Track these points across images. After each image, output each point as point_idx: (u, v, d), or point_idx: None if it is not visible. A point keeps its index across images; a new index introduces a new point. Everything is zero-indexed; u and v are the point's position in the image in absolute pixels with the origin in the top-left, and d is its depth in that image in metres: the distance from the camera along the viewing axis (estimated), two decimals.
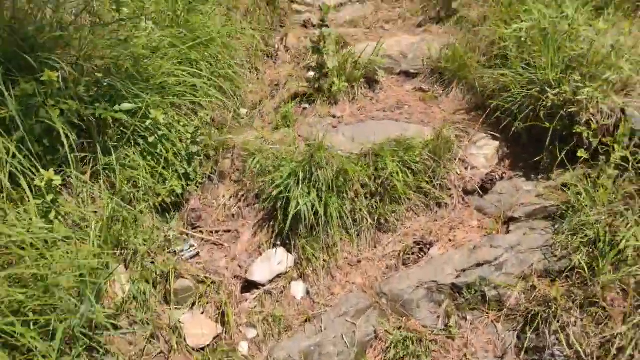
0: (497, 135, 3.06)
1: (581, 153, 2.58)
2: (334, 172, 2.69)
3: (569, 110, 2.62)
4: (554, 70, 2.77)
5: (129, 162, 2.59)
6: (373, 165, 2.80)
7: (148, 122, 2.64)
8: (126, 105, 2.56)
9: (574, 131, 2.62)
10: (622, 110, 2.57)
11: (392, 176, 2.72)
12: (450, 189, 2.87)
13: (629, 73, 2.63)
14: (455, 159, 2.95)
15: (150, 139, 2.66)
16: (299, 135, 3.24)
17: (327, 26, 3.49)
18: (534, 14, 3.16)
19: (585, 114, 2.59)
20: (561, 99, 2.68)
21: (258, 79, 3.92)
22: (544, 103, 2.73)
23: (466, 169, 2.96)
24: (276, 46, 4.26)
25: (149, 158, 2.68)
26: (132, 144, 2.66)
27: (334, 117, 3.36)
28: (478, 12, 4.08)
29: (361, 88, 3.61)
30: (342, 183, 2.69)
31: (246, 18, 4.11)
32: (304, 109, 3.51)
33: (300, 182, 2.67)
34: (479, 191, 2.85)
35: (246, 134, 3.28)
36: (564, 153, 2.64)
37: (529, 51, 3.02)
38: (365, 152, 2.89)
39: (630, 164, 2.31)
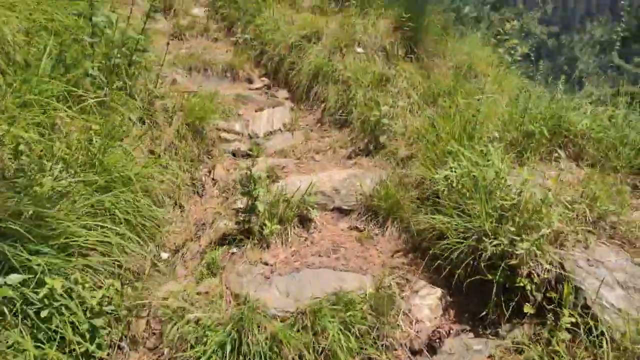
0: (440, 283, 2.93)
1: (527, 308, 2.48)
2: (267, 342, 2.35)
3: (509, 262, 2.56)
4: (489, 219, 2.75)
5: (11, 345, 2.09)
6: (311, 329, 2.49)
7: (43, 292, 2.20)
8: (14, 277, 2.12)
9: (517, 284, 2.54)
10: (561, 265, 2.54)
11: (333, 342, 2.42)
12: (396, 349, 2.61)
13: (560, 225, 2.66)
14: (398, 314, 2.73)
15: (44, 313, 2.19)
16: (227, 288, 2.90)
17: (257, 157, 3.35)
18: (460, 159, 3.24)
19: (526, 267, 2.53)
20: (499, 250, 2.63)
21: (182, 216, 3.61)
22: (483, 254, 2.65)
23: (411, 323, 2.74)
24: (203, 179, 4.04)
25: (39, 336, 2.19)
26: (19, 321, 2.17)
27: (266, 264, 3.07)
28: (405, 147, 4.19)
29: (294, 228, 3.40)
30: (277, 355, 2.34)
31: (170, 150, 3.89)
32: (233, 253, 3.20)
33: (228, 356, 2.28)
34: (427, 351, 2.61)
35: (166, 287, 2.89)
36: (510, 309, 2.53)
37: (461, 197, 3.02)
38: (302, 311, 2.60)
39: (582, 328, 2.21)
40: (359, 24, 5.81)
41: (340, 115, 5.00)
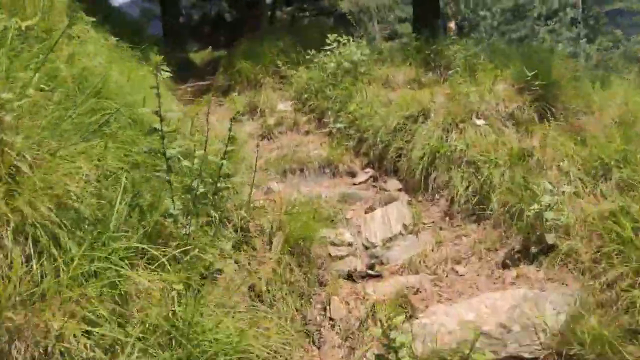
0: None
1: None
2: None
3: None
4: None
5: None
6: None
7: None
8: None
9: None
10: None
11: None
12: None
13: None
14: None
15: None
16: None
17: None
18: None
19: None
20: None
21: None
22: None
23: None
24: (317, 319, 3.11)
25: None
26: None
27: None
28: (586, 247, 2.99)
29: None
30: None
31: (273, 288, 3.05)
32: None
33: None
34: None
35: None
36: None
37: None
38: None
39: None
40: (473, 92, 4.88)
41: (475, 205, 3.94)
